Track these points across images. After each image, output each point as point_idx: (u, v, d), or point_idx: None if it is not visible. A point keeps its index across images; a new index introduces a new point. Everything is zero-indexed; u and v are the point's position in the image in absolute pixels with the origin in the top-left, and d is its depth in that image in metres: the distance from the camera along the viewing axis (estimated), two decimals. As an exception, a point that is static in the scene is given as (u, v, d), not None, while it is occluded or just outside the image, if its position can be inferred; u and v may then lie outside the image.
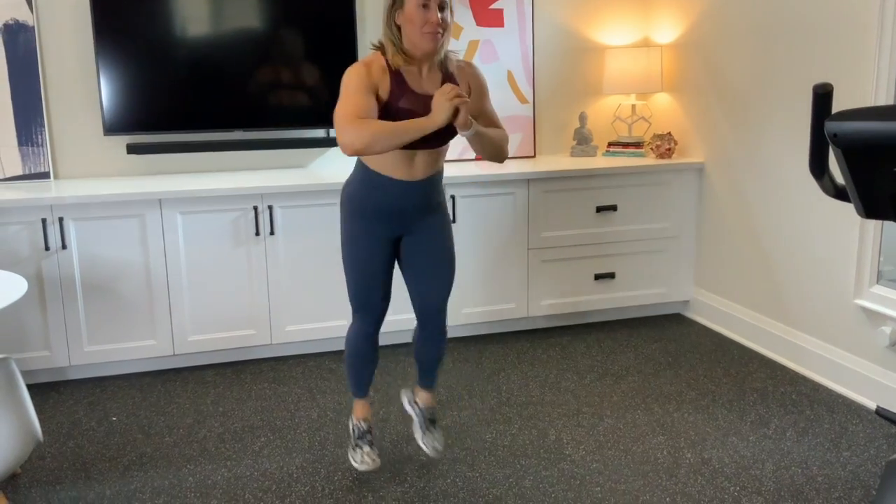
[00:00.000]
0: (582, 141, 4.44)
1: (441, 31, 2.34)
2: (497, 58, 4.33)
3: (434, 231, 2.61)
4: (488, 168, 4.01)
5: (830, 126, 1.77)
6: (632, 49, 4.31)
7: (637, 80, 4.30)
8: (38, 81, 3.76)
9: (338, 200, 3.71)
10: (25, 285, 2.76)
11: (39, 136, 3.80)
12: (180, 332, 3.65)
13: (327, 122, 4.04)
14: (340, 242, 2.62)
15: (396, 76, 2.40)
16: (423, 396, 2.89)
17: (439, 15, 2.32)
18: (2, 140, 3.75)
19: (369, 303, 2.62)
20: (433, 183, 2.55)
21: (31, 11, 3.71)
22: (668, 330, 4.18)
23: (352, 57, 3.99)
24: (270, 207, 3.64)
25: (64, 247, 3.44)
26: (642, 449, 2.92)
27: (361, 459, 2.67)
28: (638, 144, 4.34)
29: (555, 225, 4.05)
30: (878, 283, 3.22)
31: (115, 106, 3.75)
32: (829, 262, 3.42)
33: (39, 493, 2.69)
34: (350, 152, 2.24)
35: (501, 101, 4.37)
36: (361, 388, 2.78)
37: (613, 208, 4.10)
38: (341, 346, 3.96)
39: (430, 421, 2.86)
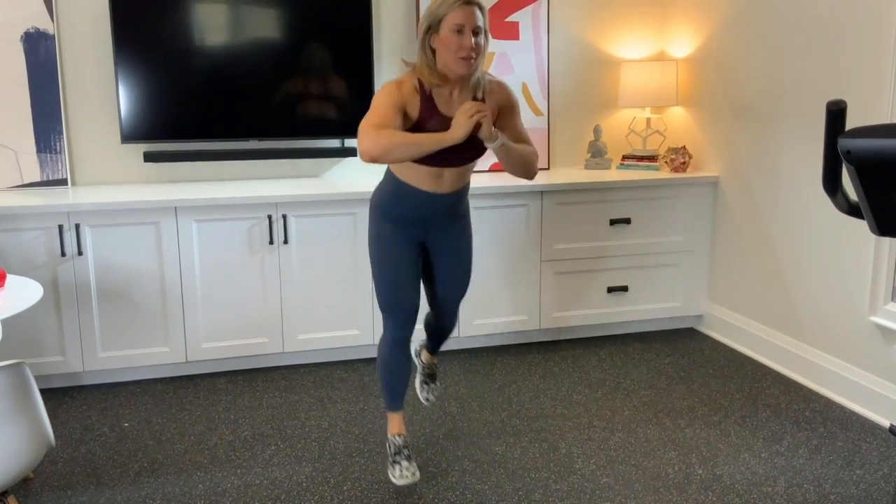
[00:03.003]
0: (596, 154, 4.44)
1: (474, 55, 2.37)
2: (512, 70, 4.34)
3: (456, 238, 2.71)
4: (502, 180, 4.01)
5: (844, 143, 1.76)
6: (647, 62, 4.31)
7: (652, 94, 4.30)
8: (58, 89, 3.81)
9: (351, 210, 3.72)
10: (41, 291, 2.79)
11: (58, 143, 3.84)
12: (193, 340, 3.67)
13: (342, 132, 4.06)
14: (369, 245, 2.68)
15: (427, 98, 2.45)
16: (426, 355, 3.16)
17: (473, 40, 2.35)
18: (21, 147, 3.79)
19: (400, 302, 2.63)
20: (459, 195, 2.63)
21: (52, 20, 3.76)
22: (681, 344, 4.16)
23: (368, 68, 4.02)
24: (284, 216, 3.65)
25: (80, 253, 3.47)
26: (653, 464, 2.91)
27: (400, 474, 2.64)
28: (652, 158, 4.33)
29: (568, 237, 4.04)
30: (892, 300, 3.20)
31: (132, 114, 3.79)
32: (844, 278, 3.40)
33: (51, 497, 2.70)
34: (367, 158, 2.30)
35: (516, 113, 4.37)
36: (396, 399, 2.76)
37: (627, 221, 4.09)
38: (353, 355, 3.97)
39: (430, 375, 3.14)
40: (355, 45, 4.00)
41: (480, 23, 2.38)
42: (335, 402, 3.46)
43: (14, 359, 3.44)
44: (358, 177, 4.22)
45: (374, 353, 4.00)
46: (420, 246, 2.70)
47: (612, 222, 4.08)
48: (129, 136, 3.81)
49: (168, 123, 3.84)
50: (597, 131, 4.43)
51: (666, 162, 4.29)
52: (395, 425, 2.79)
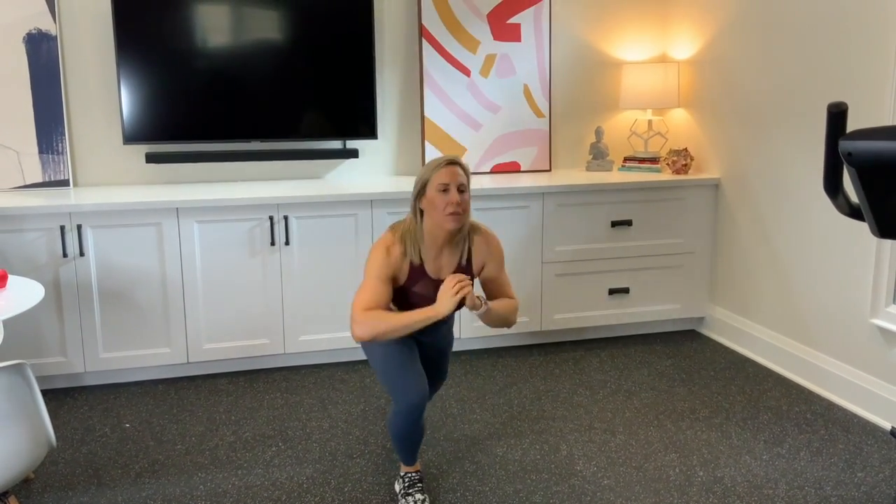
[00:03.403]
0: (598, 155, 4.44)
1: (461, 210, 2.48)
2: (514, 72, 4.34)
3: (441, 338, 2.82)
4: (503, 181, 4.01)
5: (845, 145, 1.76)
6: (649, 64, 4.31)
7: (654, 96, 4.30)
8: (60, 90, 3.81)
9: (353, 212, 3.73)
10: (43, 291, 2.79)
11: (60, 144, 3.84)
12: (195, 341, 3.67)
13: (344, 133, 4.06)
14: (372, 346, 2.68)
15: (414, 264, 2.56)
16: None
17: (458, 196, 2.46)
18: (23, 147, 3.80)
19: (409, 387, 2.55)
20: (450, 315, 2.75)
21: (54, 21, 3.77)
22: (682, 346, 4.16)
23: (369, 69, 4.02)
24: (286, 217, 3.66)
25: (82, 254, 3.48)
26: (654, 466, 2.91)
27: (415, 500, 2.61)
28: (654, 160, 4.33)
29: (569, 239, 4.04)
30: (894, 302, 3.19)
31: (134, 115, 3.80)
32: (846, 280, 3.39)
33: (52, 498, 2.71)
34: (357, 340, 2.44)
35: (518, 116, 4.38)
36: (412, 458, 2.70)
37: (628, 223, 4.09)
38: (354, 356, 3.97)
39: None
40: (357, 47, 4.01)
41: (464, 180, 2.50)
42: (336, 404, 3.46)
43: (15, 359, 3.45)
44: (359, 178, 4.23)
45: (375, 355, 4.00)
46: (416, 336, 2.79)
47: (614, 224, 4.08)
48: (130, 138, 3.82)
49: (170, 124, 3.85)
50: (598, 133, 4.43)
51: (667, 164, 4.29)
52: (410, 466, 2.72)
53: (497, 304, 2.59)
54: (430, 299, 2.60)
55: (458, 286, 2.39)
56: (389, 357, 2.59)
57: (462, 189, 2.49)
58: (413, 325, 2.41)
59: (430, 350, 2.84)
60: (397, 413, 2.56)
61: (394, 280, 2.56)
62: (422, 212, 2.54)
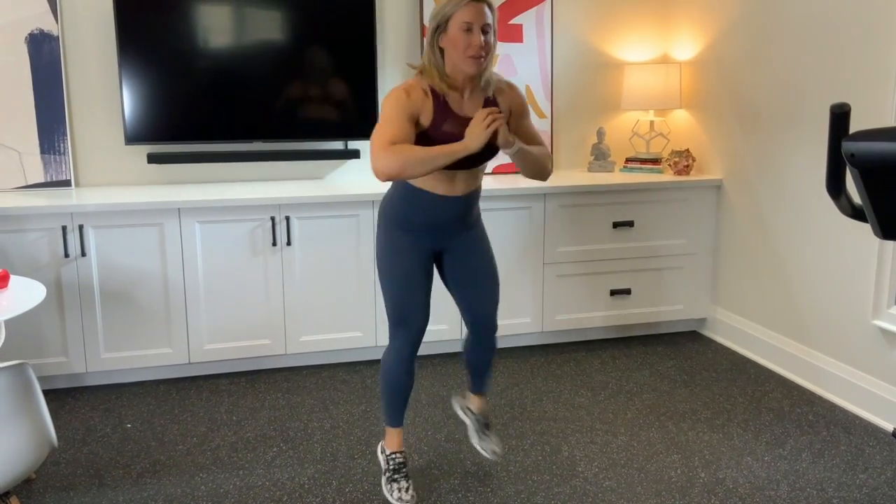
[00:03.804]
0: (599, 156, 4.44)
1: (484, 54, 2.33)
2: (516, 73, 4.34)
3: (474, 244, 2.62)
4: (504, 182, 4.01)
5: (847, 146, 1.76)
6: (651, 65, 4.31)
7: (656, 97, 4.30)
8: (62, 90, 3.82)
9: (354, 212, 3.73)
10: (44, 292, 2.79)
11: (61, 145, 3.84)
12: (196, 341, 3.67)
13: (345, 134, 4.06)
14: (377, 256, 2.57)
15: (439, 100, 2.39)
16: (475, 402, 2.89)
17: (482, 38, 2.30)
18: (24, 148, 3.80)
19: (410, 316, 2.53)
20: (472, 198, 2.55)
21: (57, 21, 3.77)
22: (684, 348, 4.16)
23: (371, 70, 4.02)
24: (287, 218, 3.66)
25: (83, 254, 3.48)
26: (656, 467, 2.90)
27: (399, 497, 2.58)
28: (656, 161, 4.33)
29: (571, 240, 4.04)
30: (896, 304, 3.19)
31: (136, 115, 3.80)
32: (848, 282, 3.39)
33: (53, 498, 2.71)
34: (383, 178, 2.23)
35: (519, 116, 4.37)
36: (397, 414, 2.67)
37: (630, 224, 4.09)
38: (356, 357, 3.97)
39: (485, 425, 2.84)
40: (359, 47, 4.01)
41: (490, 20, 2.32)
42: (337, 404, 3.46)
43: (17, 359, 3.45)
44: (361, 179, 4.22)
45: (376, 355, 4.00)
46: (434, 257, 2.62)
47: (616, 225, 4.08)
48: (132, 138, 3.82)
49: (172, 125, 3.85)
50: (600, 134, 4.43)
51: (669, 165, 4.29)
52: (395, 441, 2.70)
53: (530, 147, 2.40)
54: (460, 139, 2.38)
55: (490, 117, 2.23)
56: (401, 276, 2.48)
57: (486, 30, 2.30)
58: (441, 157, 2.21)
59: (467, 260, 2.61)
60: (391, 350, 2.53)
61: (416, 124, 2.35)
62: (441, 50, 2.36)
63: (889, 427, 3.20)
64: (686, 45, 4.42)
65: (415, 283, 2.52)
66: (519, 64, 4.34)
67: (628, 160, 4.39)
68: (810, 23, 3.51)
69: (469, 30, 2.29)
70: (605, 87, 4.58)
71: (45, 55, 3.77)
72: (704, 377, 3.75)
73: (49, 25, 3.76)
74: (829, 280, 3.49)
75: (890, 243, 3.17)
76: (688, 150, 4.24)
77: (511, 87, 2.52)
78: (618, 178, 4.17)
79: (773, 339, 3.86)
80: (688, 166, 4.22)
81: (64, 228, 3.43)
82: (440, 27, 2.34)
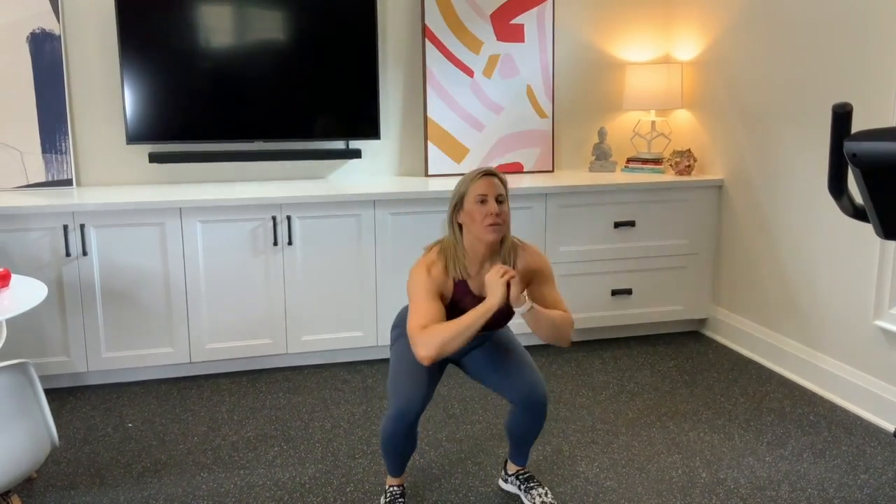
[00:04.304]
0: (601, 156, 4.44)
1: (500, 221, 2.40)
2: (517, 72, 4.34)
3: (491, 339, 2.64)
4: (506, 182, 4.01)
5: (850, 146, 1.76)
6: (652, 65, 4.31)
7: (657, 97, 4.30)
8: (63, 90, 3.82)
9: (356, 212, 3.73)
10: (46, 291, 2.79)
11: (63, 144, 3.85)
12: (197, 340, 3.67)
13: (347, 133, 4.06)
14: (391, 340, 2.65)
15: (458, 280, 2.46)
16: (513, 468, 2.77)
17: (497, 207, 2.39)
18: (26, 147, 3.80)
19: (415, 400, 2.49)
20: (488, 335, 2.62)
21: (58, 21, 3.77)
22: (685, 348, 4.15)
23: (372, 69, 4.02)
24: (289, 218, 3.66)
25: (85, 253, 3.48)
26: (657, 468, 2.90)
27: None
28: (657, 161, 4.33)
29: (572, 240, 4.04)
30: (898, 304, 3.19)
31: (137, 115, 3.80)
32: (849, 282, 3.39)
33: (54, 497, 2.71)
34: (427, 363, 2.31)
35: (521, 117, 4.38)
36: (397, 469, 2.63)
37: (631, 224, 4.09)
38: (357, 356, 3.97)
39: (528, 478, 2.71)
40: (360, 47, 4.01)
41: (502, 191, 2.42)
42: (338, 404, 3.46)
43: (18, 358, 3.45)
44: (362, 178, 4.22)
45: (377, 355, 4.00)
46: (454, 358, 2.67)
47: (617, 225, 4.08)
48: (134, 137, 3.82)
49: (173, 124, 3.85)
50: (601, 134, 4.43)
51: (671, 165, 4.28)
52: (394, 480, 2.66)
53: (544, 309, 2.43)
54: None
55: (503, 269, 2.31)
56: (402, 363, 2.54)
57: (500, 200, 2.41)
58: (473, 323, 2.29)
59: (491, 354, 2.61)
60: (388, 417, 2.48)
61: (441, 296, 2.46)
62: (460, 227, 2.46)
63: (890, 427, 3.19)
64: (688, 45, 4.42)
65: (414, 369, 2.52)
66: (520, 63, 4.34)
67: (630, 160, 4.39)
68: (812, 23, 3.50)
69: (484, 201, 2.39)
70: (606, 86, 4.58)
71: (46, 54, 3.78)
72: (705, 377, 3.75)
73: (50, 25, 3.76)
74: (831, 280, 3.49)
75: (891, 243, 3.17)
76: (689, 151, 4.24)
77: (532, 251, 2.54)
78: (619, 178, 4.17)
79: (774, 340, 3.86)
80: (689, 166, 4.22)
81: (65, 227, 3.43)
82: (457, 206, 2.44)
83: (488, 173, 2.42)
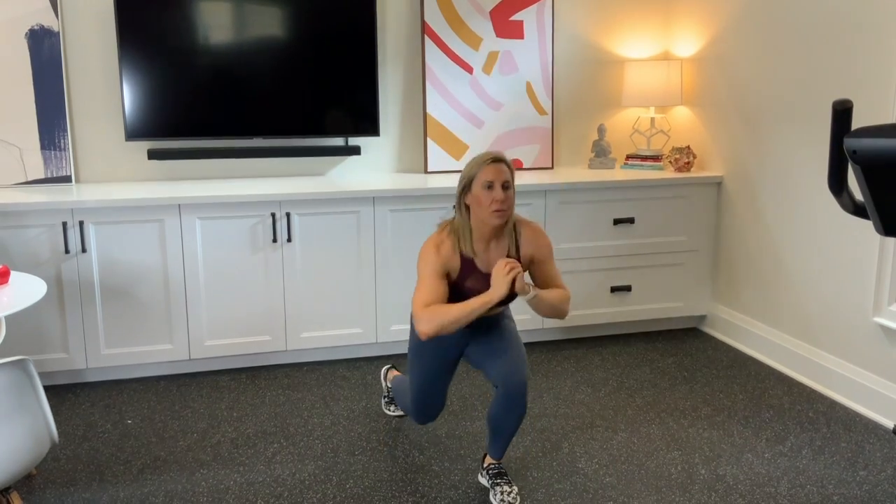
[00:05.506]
0: (600, 153, 4.43)
1: (505, 207, 2.53)
2: (516, 69, 4.34)
3: (494, 327, 2.76)
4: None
5: (850, 142, 1.76)
6: (652, 62, 4.30)
7: (656, 94, 4.29)
8: (62, 86, 3.81)
9: (355, 209, 3.72)
10: (45, 288, 2.79)
11: (62, 141, 3.84)
12: (197, 337, 3.67)
13: (346, 130, 4.06)
14: (409, 348, 2.81)
15: (465, 258, 2.62)
16: (487, 460, 2.78)
17: (503, 193, 2.52)
18: (25, 143, 3.80)
19: (429, 406, 2.84)
20: (495, 317, 2.77)
21: (57, 17, 3.76)
22: (684, 344, 4.16)
23: (371, 65, 4.02)
24: (288, 214, 3.66)
25: (84, 250, 3.47)
26: (656, 464, 2.90)
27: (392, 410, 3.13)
28: (656, 157, 4.33)
29: (571, 237, 4.04)
30: (897, 301, 3.19)
31: (136, 112, 3.79)
32: (849, 279, 3.39)
33: (54, 494, 2.71)
34: (424, 338, 2.51)
35: (520, 113, 4.37)
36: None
37: (631, 221, 4.09)
38: (356, 353, 3.97)
39: (497, 474, 2.70)
40: (359, 44, 4.00)
41: (508, 177, 2.55)
42: (338, 401, 3.46)
43: (18, 355, 3.45)
44: (361, 175, 4.22)
45: (376, 352, 4.00)
46: (460, 351, 2.79)
47: (616, 222, 4.07)
48: (133, 134, 3.82)
49: (172, 121, 3.84)
50: (601, 130, 4.43)
51: (670, 161, 4.28)
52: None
53: (546, 292, 2.60)
54: (482, 291, 2.63)
55: (508, 266, 2.45)
56: (424, 372, 2.75)
57: (506, 186, 2.54)
58: (473, 311, 2.46)
59: (491, 340, 2.69)
60: (409, 412, 2.86)
61: (447, 276, 2.61)
62: (467, 207, 2.60)
63: (889, 424, 3.20)
64: (687, 42, 4.42)
65: (437, 379, 2.78)
66: (520, 60, 4.34)
67: (629, 157, 4.39)
68: (812, 19, 3.50)
69: (490, 187, 2.52)
70: (605, 83, 4.57)
71: (45, 51, 3.77)
72: (705, 374, 3.75)
73: (49, 21, 3.76)
74: (830, 277, 3.49)
75: (891, 240, 3.17)
76: (688, 147, 4.24)
77: (535, 232, 2.69)
78: (618, 174, 4.17)
79: (773, 336, 3.86)
80: (688, 163, 4.22)
81: (64, 224, 3.43)
82: (465, 188, 2.58)
83: (496, 159, 2.55)
